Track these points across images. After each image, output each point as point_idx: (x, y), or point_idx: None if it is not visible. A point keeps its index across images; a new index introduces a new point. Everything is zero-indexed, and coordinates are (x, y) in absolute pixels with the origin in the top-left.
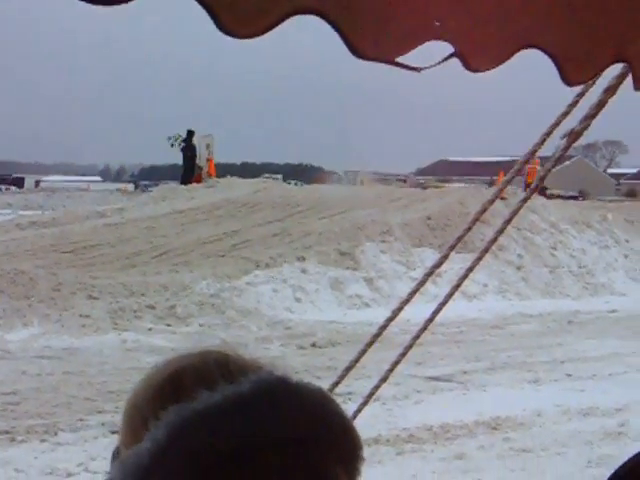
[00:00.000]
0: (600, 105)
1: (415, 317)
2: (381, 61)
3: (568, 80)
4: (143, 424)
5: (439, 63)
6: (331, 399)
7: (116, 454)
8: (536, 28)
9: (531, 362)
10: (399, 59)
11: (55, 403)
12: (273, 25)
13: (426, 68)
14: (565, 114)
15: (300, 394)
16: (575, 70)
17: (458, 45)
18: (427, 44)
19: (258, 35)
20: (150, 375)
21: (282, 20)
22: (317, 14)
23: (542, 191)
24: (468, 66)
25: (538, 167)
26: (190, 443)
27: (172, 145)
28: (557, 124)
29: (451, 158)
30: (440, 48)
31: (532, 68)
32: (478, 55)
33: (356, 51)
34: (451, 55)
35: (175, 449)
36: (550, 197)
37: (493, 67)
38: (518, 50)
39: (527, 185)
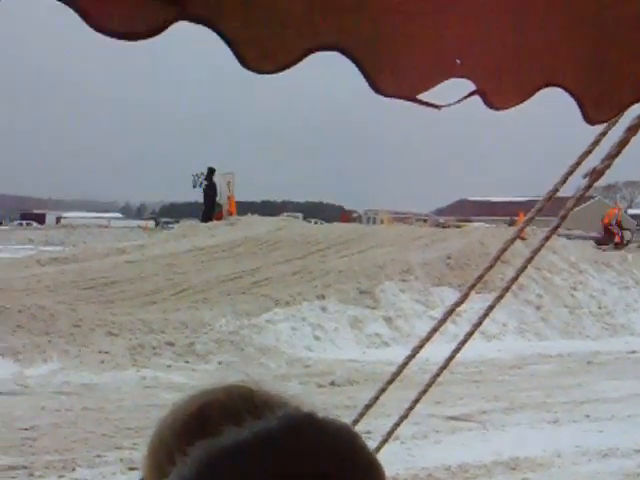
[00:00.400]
0: (622, 144)
1: (434, 356)
2: (401, 98)
3: (590, 119)
4: (169, 459)
5: (460, 101)
6: (357, 435)
7: None
8: (558, 67)
9: (550, 402)
10: (420, 96)
11: (73, 439)
12: (295, 61)
13: (446, 106)
14: (587, 153)
15: (327, 430)
16: (597, 109)
17: (479, 83)
18: (448, 82)
19: (280, 71)
20: (176, 410)
21: (304, 56)
22: (338, 50)
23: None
24: (489, 104)
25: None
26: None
27: (194, 186)
28: (579, 163)
29: (471, 198)
30: (461, 85)
31: (555, 107)
32: (499, 93)
33: (377, 87)
34: (472, 93)
35: None
36: (570, 238)
37: (514, 105)
38: (540, 88)
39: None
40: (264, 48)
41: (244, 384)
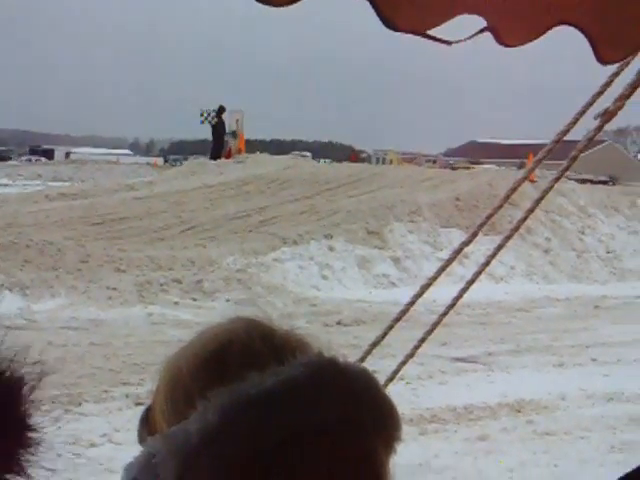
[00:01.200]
0: (635, 86)
1: (441, 298)
2: (412, 32)
3: (602, 58)
4: (187, 399)
5: (471, 37)
6: (375, 380)
7: (146, 416)
8: (571, 5)
9: (556, 346)
10: (430, 32)
11: (80, 374)
12: None
13: (457, 42)
14: (599, 94)
15: (348, 376)
16: (609, 49)
17: (490, 19)
18: (459, 19)
19: (292, 3)
20: (193, 346)
21: None
22: None
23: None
24: (500, 40)
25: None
26: (244, 428)
27: (202, 122)
28: (590, 104)
29: (481, 140)
30: (472, 22)
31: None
32: (510, 30)
33: (388, 23)
34: (483, 29)
35: (227, 433)
36: (581, 181)
37: (525, 42)
38: (552, 27)
39: None
40: None
41: (261, 320)
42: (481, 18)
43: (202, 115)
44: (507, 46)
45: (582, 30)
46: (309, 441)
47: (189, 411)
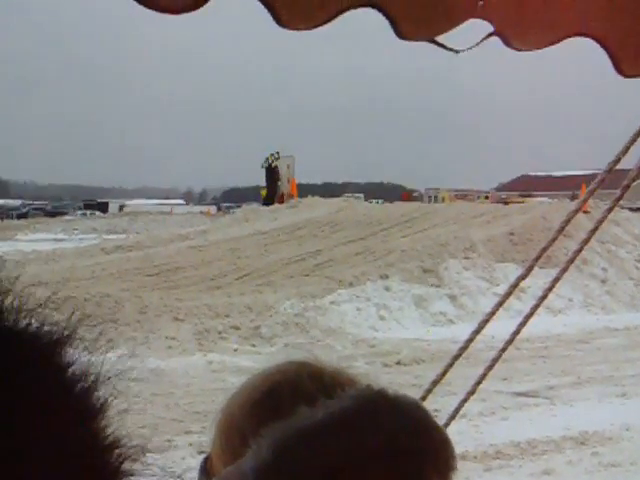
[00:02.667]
0: None
1: (499, 333)
2: (422, 40)
3: (623, 71)
4: (241, 440)
5: (478, 43)
6: (427, 411)
7: (204, 466)
8: (588, 16)
9: (618, 376)
10: (439, 39)
11: (142, 424)
12: (330, 18)
13: (464, 50)
14: None
15: (400, 407)
16: (630, 61)
17: (498, 24)
18: (469, 29)
19: (313, 27)
20: (245, 389)
21: (339, 13)
22: (372, 6)
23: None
24: (508, 44)
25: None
26: (297, 462)
27: (262, 166)
28: None
29: (532, 173)
30: (479, 30)
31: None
32: (518, 35)
33: (400, 32)
34: (490, 34)
35: (281, 468)
36: (634, 210)
37: (535, 49)
38: (566, 37)
39: None
40: (299, 7)
41: (311, 362)
42: (489, 24)
43: (267, 161)
44: (516, 50)
45: (599, 42)
46: (363, 470)
47: (244, 451)
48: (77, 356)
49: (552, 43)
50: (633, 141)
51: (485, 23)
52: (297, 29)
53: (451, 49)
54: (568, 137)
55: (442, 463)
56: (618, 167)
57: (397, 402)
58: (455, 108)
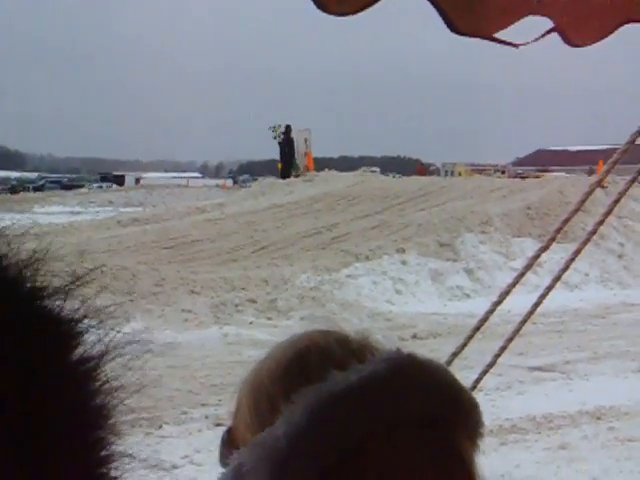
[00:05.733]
0: None
1: (516, 307)
2: (478, 36)
3: None
4: (271, 407)
5: (538, 39)
6: (454, 376)
7: (227, 438)
8: (638, 2)
9: (634, 351)
10: (497, 35)
11: (159, 397)
12: (370, 3)
13: (524, 44)
14: None
15: (430, 371)
16: None
17: (557, 19)
18: (526, 22)
19: (353, 13)
20: (272, 358)
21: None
22: None
23: None
24: (568, 41)
25: None
26: (331, 426)
27: (274, 137)
28: None
29: (549, 147)
30: (539, 25)
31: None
32: (578, 29)
33: (453, 26)
34: (550, 30)
35: (316, 433)
36: None
37: (594, 42)
38: (620, 25)
39: None
40: None
41: (337, 329)
42: (548, 19)
43: (274, 130)
44: (575, 46)
45: None
46: (395, 437)
47: (275, 417)
48: (87, 333)
49: (608, 33)
50: None
51: (543, 19)
52: (336, 14)
53: (510, 43)
54: (584, 113)
55: (472, 429)
56: (636, 142)
57: (427, 366)
58: (472, 82)
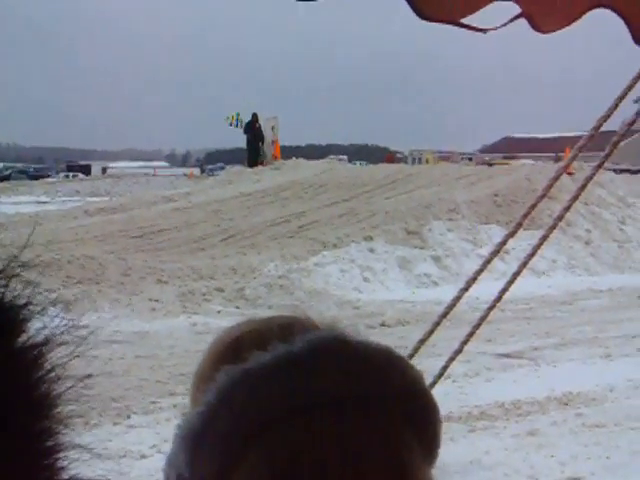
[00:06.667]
0: None
1: (484, 294)
2: (445, 22)
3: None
4: (203, 390)
5: (506, 24)
6: (399, 357)
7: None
8: None
9: (602, 337)
10: (464, 20)
11: (127, 386)
12: None
13: (492, 29)
14: (637, 79)
15: (360, 351)
16: None
17: (525, 5)
18: (493, 7)
19: None
20: (213, 343)
21: None
22: None
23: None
24: (536, 27)
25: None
26: (235, 405)
27: (232, 125)
28: (630, 88)
29: (516, 135)
30: (506, 9)
31: (597, 33)
32: (545, 15)
33: (420, 12)
34: (518, 16)
35: (224, 411)
36: (618, 172)
37: (562, 27)
38: (588, 9)
39: None
40: None
41: (297, 315)
42: (515, 5)
43: (230, 120)
44: (543, 32)
45: (618, 12)
46: (310, 416)
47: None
48: (32, 323)
49: (574, 19)
50: (617, 104)
51: (510, 4)
52: None
53: (479, 29)
54: (551, 100)
55: (415, 414)
56: (603, 129)
57: (358, 345)
58: (438, 71)
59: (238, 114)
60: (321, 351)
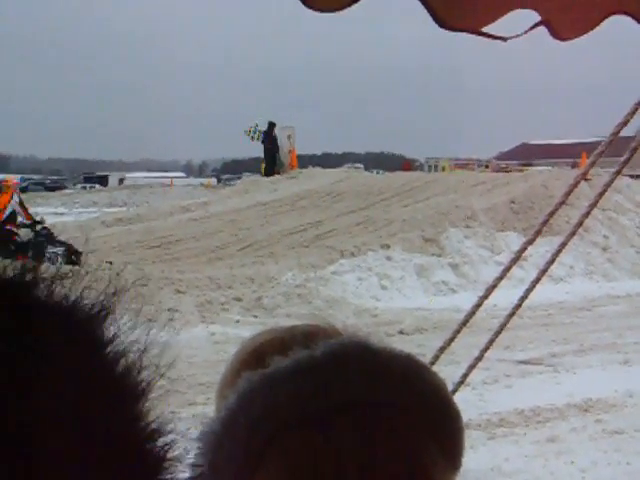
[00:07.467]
0: None
1: (501, 301)
2: (466, 31)
3: None
4: (226, 397)
5: (526, 32)
6: (422, 365)
7: None
8: None
9: (620, 343)
10: (485, 29)
11: None
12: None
13: (513, 37)
14: None
15: (382, 358)
16: None
17: (544, 13)
18: (513, 15)
19: (340, 9)
20: (237, 351)
21: None
22: None
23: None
24: (555, 34)
25: None
26: (256, 408)
27: (252, 138)
28: None
29: (533, 141)
30: (526, 18)
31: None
32: (565, 22)
33: (441, 21)
34: (538, 23)
35: (243, 415)
36: (635, 177)
37: (581, 34)
38: (607, 16)
39: None
40: None
41: (320, 324)
42: (535, 13)
43: (248, 133)
44: (562, 39)
45: (636, 18)
46: (328, 421)
47: None
48: (117, 332)
49: (593, 26)
50: (635, 109)
51: (531, 12)
52: (321, 11)
53: (498, 37)
54: (568, 106)
55: (437, 422)
56: (621, 134)
57: (379, 352)
58: (455, 77)
59: (256, 125)
60: (342, 357)
